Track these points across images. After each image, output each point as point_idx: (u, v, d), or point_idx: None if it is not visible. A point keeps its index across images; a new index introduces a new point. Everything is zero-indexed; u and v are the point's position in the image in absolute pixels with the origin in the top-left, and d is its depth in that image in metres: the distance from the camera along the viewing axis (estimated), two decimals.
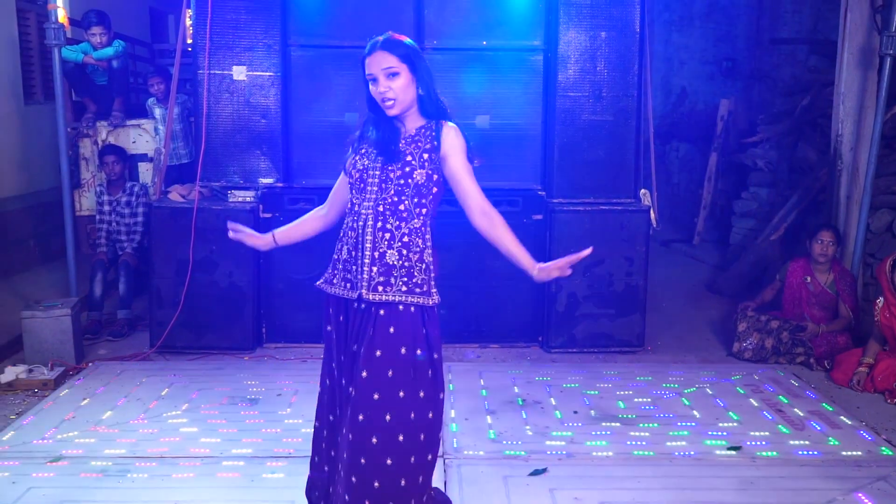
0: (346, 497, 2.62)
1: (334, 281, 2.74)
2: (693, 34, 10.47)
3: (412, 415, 2.62)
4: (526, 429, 4.10)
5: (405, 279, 2.64)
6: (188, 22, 5.66)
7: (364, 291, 2.63)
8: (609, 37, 5.17)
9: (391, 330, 2.62)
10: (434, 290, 2.69)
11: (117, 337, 5.49)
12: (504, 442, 3.94)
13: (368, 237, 2.64)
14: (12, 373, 4.57)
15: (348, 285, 2.69)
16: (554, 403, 4.44)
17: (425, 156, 2.65)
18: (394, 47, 2.62)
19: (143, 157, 6.73)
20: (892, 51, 5.28)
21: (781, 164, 7.65)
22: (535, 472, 3.59)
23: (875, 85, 5.63)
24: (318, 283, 2.82)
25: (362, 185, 2.68)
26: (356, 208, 2.70)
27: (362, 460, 2.59)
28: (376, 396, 2.60)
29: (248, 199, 5.23)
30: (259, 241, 2.95)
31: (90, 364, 4.94)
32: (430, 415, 2.68)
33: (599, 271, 5.25)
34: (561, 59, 5.17)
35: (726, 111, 8.96)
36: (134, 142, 6.69)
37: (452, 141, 2.66)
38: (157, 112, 6.52)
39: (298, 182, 5.30)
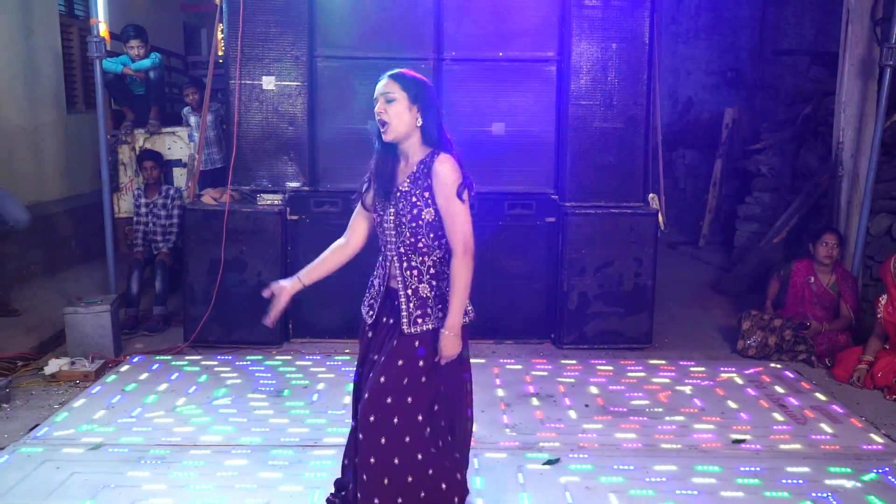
0: (358, 494, 2.69)
1: (365, 307, 2.85)
2: (699, 46, 10.43)
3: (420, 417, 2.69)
4: (539, 421, 4.09)
5: (440, 307, 2.69)
6: (220, 35, 5.69)
7: (405, 328, 2.66)
8: (619, 48, 5.15)
9: (416, 344, 2.67)
10: (469, 308, 2.74)
11: (153, 332, 5.52)
12: (518, 433, 3.93)
13: (398, 276, 2.69)
14: (56, 365, 4.62)
15: (371, 313, 2.80)
16: (566, 397, 4.43)
17: (426, 194, 2.64)
18: (398, 78, 2.67)
19: (178, 163, 6.78)
20: (892, 61, 5.23)
21: (784, 171, 7.59)
22: (549, 462, 3.58)
23: (875, 94, 5.58)
24: (363, 308, 2.88)
25: (382, 229, 2.74)
26: (383, 249, 2.77)
27: (371, 460, 2.64)
28: (389, 400, 2.64)
29: (275, 202, 5.25)
30: (287, 291, 2.79)
31: (128, 357, 4.97)
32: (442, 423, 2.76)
33: (609, 271, 5.23)
34: (573, 69, 5.16)
35: (731, 119, 8.91)
36: (169, 148, 6.75)
37: (441, 177, 2.60)
38: (192, 120, 6.58)
39: (324, 186, 5.32)
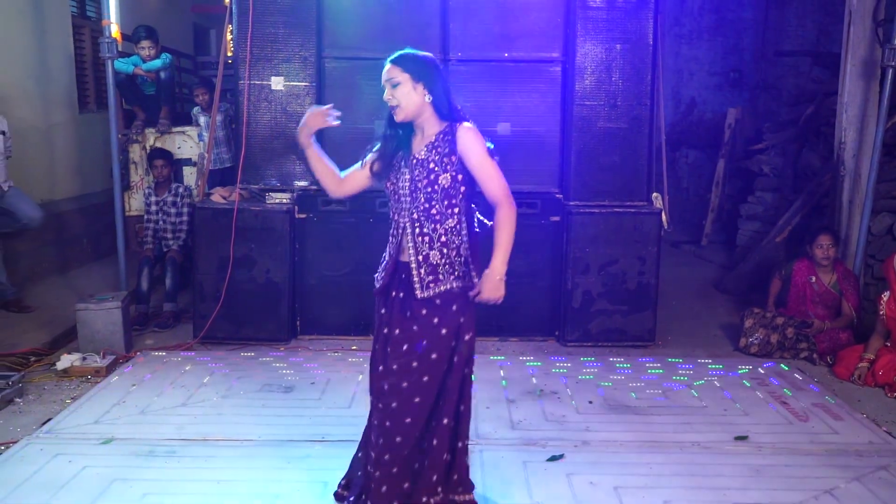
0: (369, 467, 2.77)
1: (378, 277, 2.88)
2: (702, 47, 10.42)
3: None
4: (544, 417, 4.09)
5: (452, 273, 2.73)
6: (229, 36, 5.69)
7: (418, 292, 2.71)
8: (624, 49, 5.14)
9: (437, 302, 2.73)
10: (475, 279, 2.78)
11: (163, 328, 5.53)
12: (523, 429, 3.92)
13: (409, 243, 2.73)
14: (68, 360, 4.63)
15: (381, 283, 2.83)
16: (570, 393, 4.42)
17: (446, 160, 2.70)
18: (398, 61, 2.72)
19: (188, 162, 6.79)
20: (894, 62, 5.19)
21: (786, 170, 7.56)
22: (553, 458, 3.58)
23: (877, 95, 5.56)
24: (376, 274, 2.94)
25: (396, 196, 2.78)
26: (395, 217, 2.80)
27: (388, 423, 2.73)
28: (415, 364, 2.73)
29: (284, 200, 5.25)
30: (304, 136, 2.86)
31: (138, 353, 4.98)
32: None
33: (613, 270, 5.22)
34: (578, 69, 5.15)
35: (733, 120, 8.88)
36: (179, 147, 6.76)
37: (466, 141, 2.69)
38: (202, 120, 6.59)
39: None
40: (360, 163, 2.90)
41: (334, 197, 2.98)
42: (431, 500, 2.81)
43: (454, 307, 2.74)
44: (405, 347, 2.74)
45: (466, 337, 2.78)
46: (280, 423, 3.94)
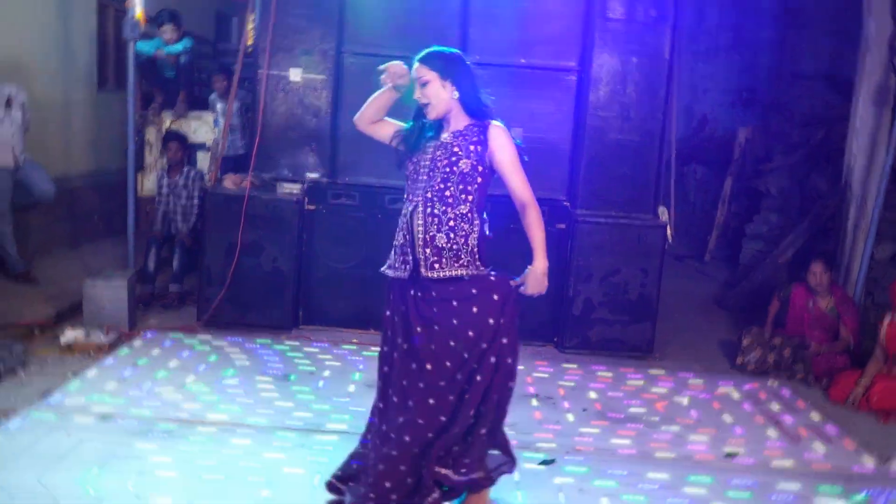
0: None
1: (395, 265, 2.86)
2: (717, 64, 10.38)
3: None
4: (538, 422, 4.08)
5: (454, 260, 2.74)
6: (250, 25, 5.70)
7: (423, 270, 2.74)
8: (640, 62, 5.13)
9: (474, 293, 2.76)
10: (481, 268, 2.80)
11: (168, 309, 5.54)
12: (517, 432, 3.90)
13: (419, 221, 2.75)
14: (72, 335, 4.64)
15: (405, 266, 2.81)
16: (565, 400, 4.42)
17: (471, 147, 2.74)
18: (425, 60, 2.78)
19: (202, 147, 6.79)
20: None
21: (793, 192, 7.54)
22: (544, 463, 3.58)
23: (889, 122, 5.54)
24: (382, 269, 2.93)
25: (415, 175, 2.81)
26: (409, 197, 2.82)
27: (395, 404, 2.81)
28: (465, 355, 2.76)
29: (294, 191, 5.25)
30: (392, 75, 2.85)
31: (142, 332, 4.99)
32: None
33: (615, 280, 5.21)
34: (593, 79, 5.14)
35: (744, 138, 8.86)
36: (194, 131, 6.76)
37: (499, 139, 2.77)
38: (219, 106, 6.58)
39: (342, 178, 5.32)
40: (397, 125, 2.94)
41: (357, 122, 2.99)
42: (434, 469, 2.79)
43: (494, 296, 2.75)
44: (436, 346, 2.75)
45: (502, 320, 2.75)
46: (277, 411, 3.95)
